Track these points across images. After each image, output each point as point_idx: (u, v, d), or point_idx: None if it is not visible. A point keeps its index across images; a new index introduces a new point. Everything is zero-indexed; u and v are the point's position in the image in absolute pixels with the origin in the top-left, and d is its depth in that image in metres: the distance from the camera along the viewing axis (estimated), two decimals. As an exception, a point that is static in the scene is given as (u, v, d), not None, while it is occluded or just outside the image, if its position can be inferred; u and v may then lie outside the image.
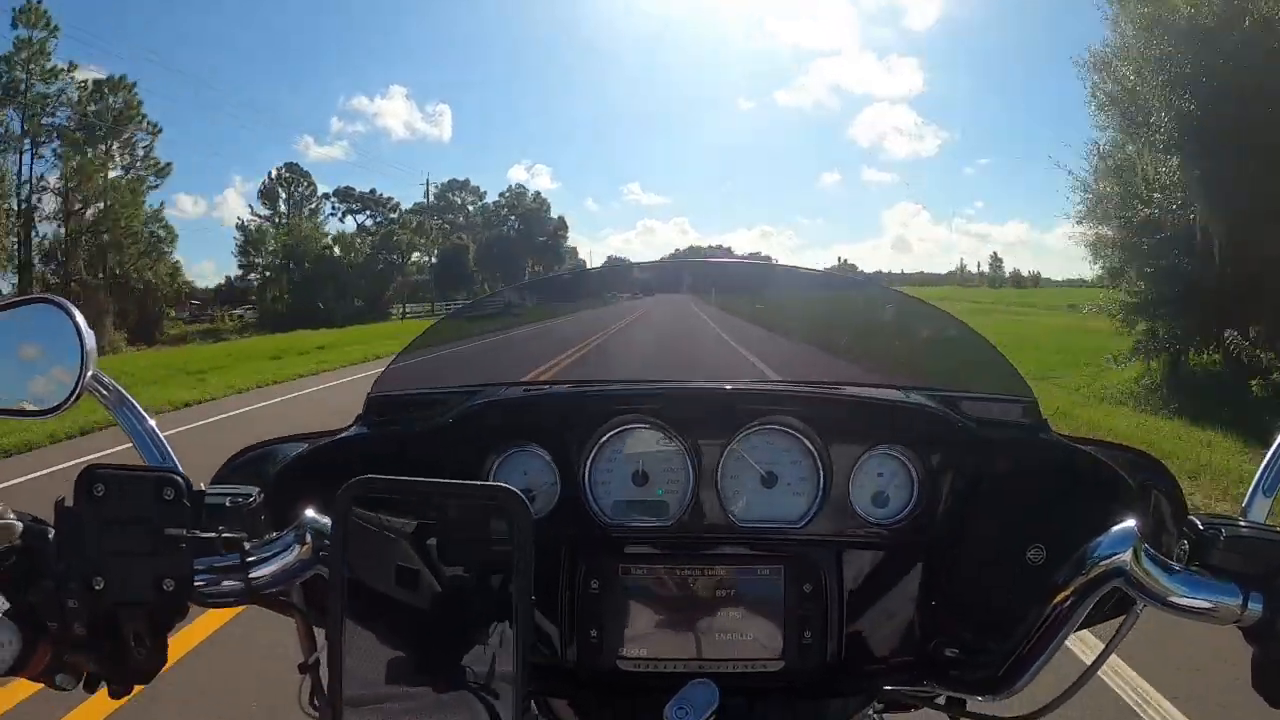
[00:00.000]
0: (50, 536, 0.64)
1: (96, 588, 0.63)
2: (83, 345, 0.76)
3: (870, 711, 0.93)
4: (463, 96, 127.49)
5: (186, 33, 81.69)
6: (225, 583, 0.67)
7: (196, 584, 0.65)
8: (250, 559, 0.67)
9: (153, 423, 0.80)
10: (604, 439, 0.92)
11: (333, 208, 58.41)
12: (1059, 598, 0.76)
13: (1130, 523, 0.73)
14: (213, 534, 0.65)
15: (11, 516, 0.64)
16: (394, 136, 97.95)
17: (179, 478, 0.65)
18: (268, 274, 51.18)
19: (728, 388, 0.97)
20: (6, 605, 0.63)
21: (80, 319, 0.77)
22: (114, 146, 34.68)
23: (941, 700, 0.93)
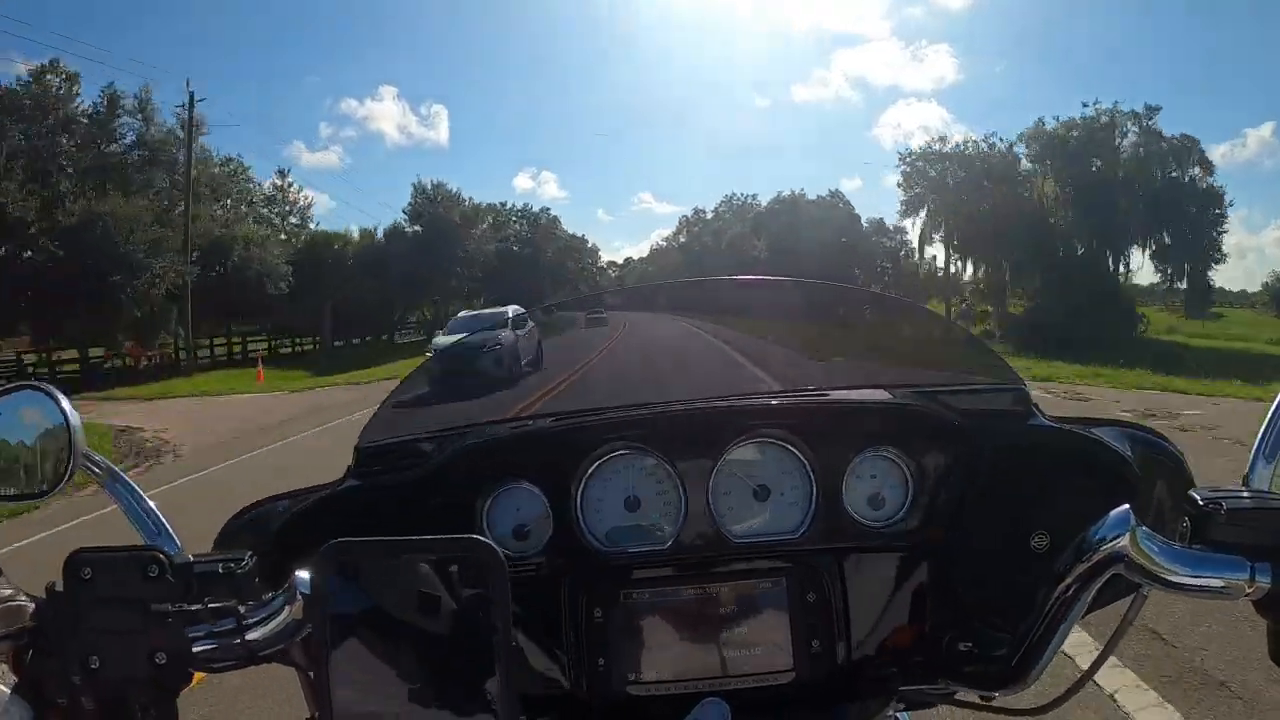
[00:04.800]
0: (46, 618, 0.66)
1: (93, 666, 0.65)
2: (69, 425, 0.79)
3: (890, 713, 0.91)
4: (459, 98, 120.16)
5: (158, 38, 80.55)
6: (223, 647, 0.68)
7: (196, 650, 0.67)
8: (245, 622, 0.68)
9: (145, 496, 0.83)
10: (592, 469, 0.92)
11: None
12: (1064, 584, 0.74)
13: (1125, 506, 0.70)
14: (199, 605, 0.67)
15: (23, 598, 0.66)
16: (388, 142, 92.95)
17: (162, 554, 0.67)
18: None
19: (709, 405, 0.97)
20: (14, 681, 0.65)
21: (64, 401, 0.80)
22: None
23: (962, 696, 0.91)
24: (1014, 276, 35.30)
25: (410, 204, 50.03)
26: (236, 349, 36.95)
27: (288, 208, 50.56)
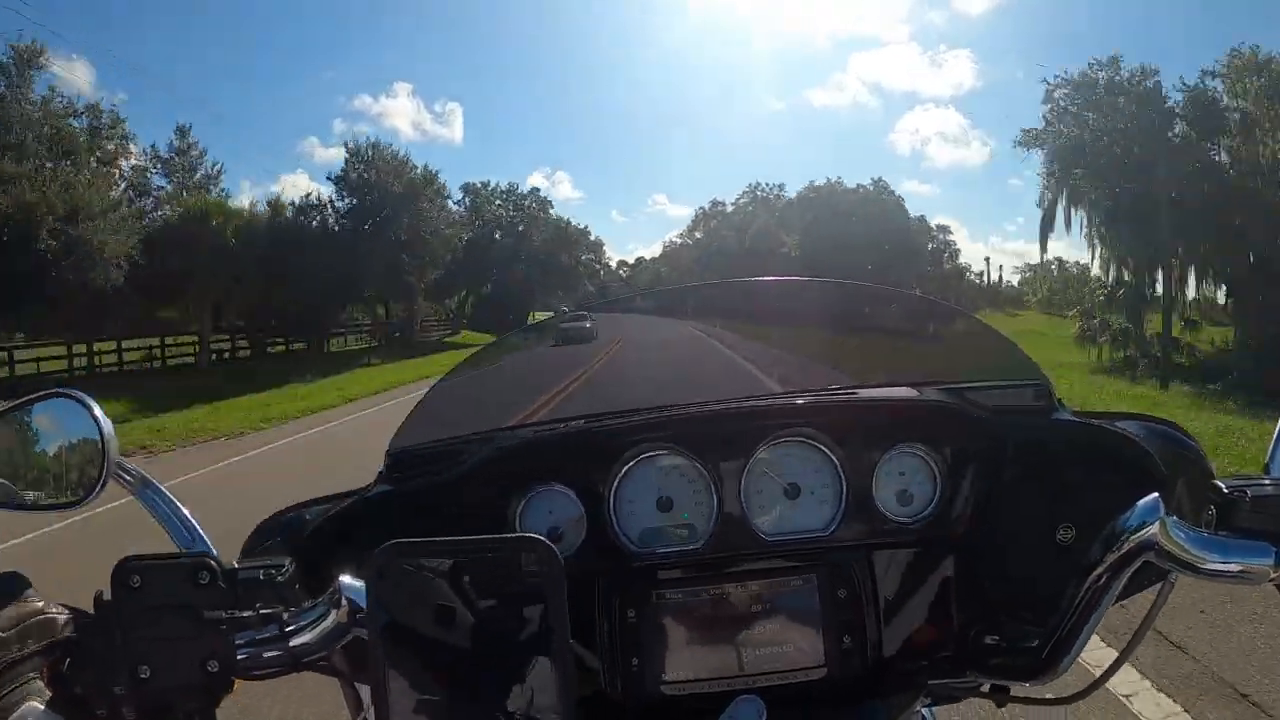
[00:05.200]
0: (93, 629, 0.65)
1: (143, 676, 0.64)
2: (102, 434, 0.77)
3: (918, 707, 0.93)
4: (474, 96, 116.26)
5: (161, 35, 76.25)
6: (267, 654, 0.68)
7: (239, 658, 0.66)
8: (289, 628, 0.68)
9: (180, 504, 0.81)
10: (624, 470, 0.93)
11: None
12: (1092, 576, 0.76)
13: (1154, 495, 0.73)
14: (250, 611, 0.67)
15: (54, 610, 0.65)
16: (402, 139, 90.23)
17: (212, 561, 0.66)
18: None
19: (740, 405, 0.98)
20: (48, 695, 0.63)
21: (97, 408, 0.78)
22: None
23: (986, 688, 0.93)
24: (1167, 274, 23.52)
25: (342, 169, 36.92)
26: (58, 364, 24.33)
27: (191, 175, 34.55)
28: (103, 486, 0.77)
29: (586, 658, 0.90)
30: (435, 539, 0.63)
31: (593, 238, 65.41)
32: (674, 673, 0.88)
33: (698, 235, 65.60)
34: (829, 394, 1.03)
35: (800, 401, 0.99)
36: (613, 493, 0.92)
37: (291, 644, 0.68)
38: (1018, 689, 0.91)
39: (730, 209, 61.47)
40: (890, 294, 1.44)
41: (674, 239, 73.33)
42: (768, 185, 60.20)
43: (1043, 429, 0.97)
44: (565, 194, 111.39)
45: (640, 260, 77.86)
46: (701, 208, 66.47)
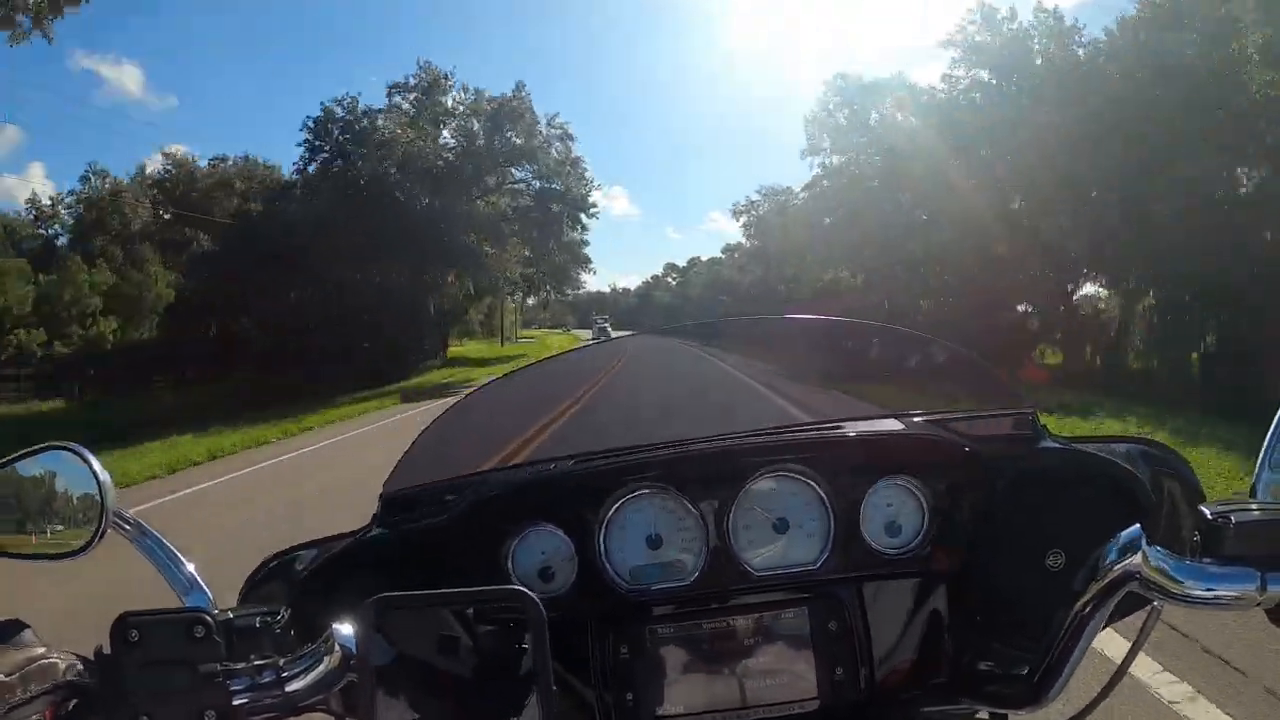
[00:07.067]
0: (93, 680, 0.66)
1: None
2: (100, 484, 0.80)
3: None
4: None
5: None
6: (264, 701, 0.69)
7: (236, 704, 0.67)
8: (284, 674, 0.69)
9: (177, 552, 0.83)
10: (613, 509, 0.94)
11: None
12: (1080, 603, 0.76)
13: (1136, 526, 0.73)
14: (244, 663, 0.68)
15: (55, 656, 0.66)
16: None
17: (208, 615, 0.68)
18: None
19: (726, 442, 0.99)
20: None
21: (95, 461, 0.80)
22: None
23: (982, 714, 0.93)
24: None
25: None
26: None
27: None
28: (102, 536, 0.79)
29: (582, 693, 0.91)
30: (424, 593, 0.65)
31: (560, 154, 32.56)
32: (668, 707, 0.89)
33: (826, 174, 29.02)
34: (814, 429, 1.04)
35: (785, 437, 1.00)
36: (602, 532, 0.93)
37: (287, 689, 0.69)
38: (1013, 716, 0.91)
39: (876, 122, 26.40)
40: (876, 329, 1.43)
41: (743, 202, 47.00)
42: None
43: (1029, 457, 0.97)
44: (622, 209, 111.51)
45: (694, 260, 67.74)
46: (816, 113, 28.40)
